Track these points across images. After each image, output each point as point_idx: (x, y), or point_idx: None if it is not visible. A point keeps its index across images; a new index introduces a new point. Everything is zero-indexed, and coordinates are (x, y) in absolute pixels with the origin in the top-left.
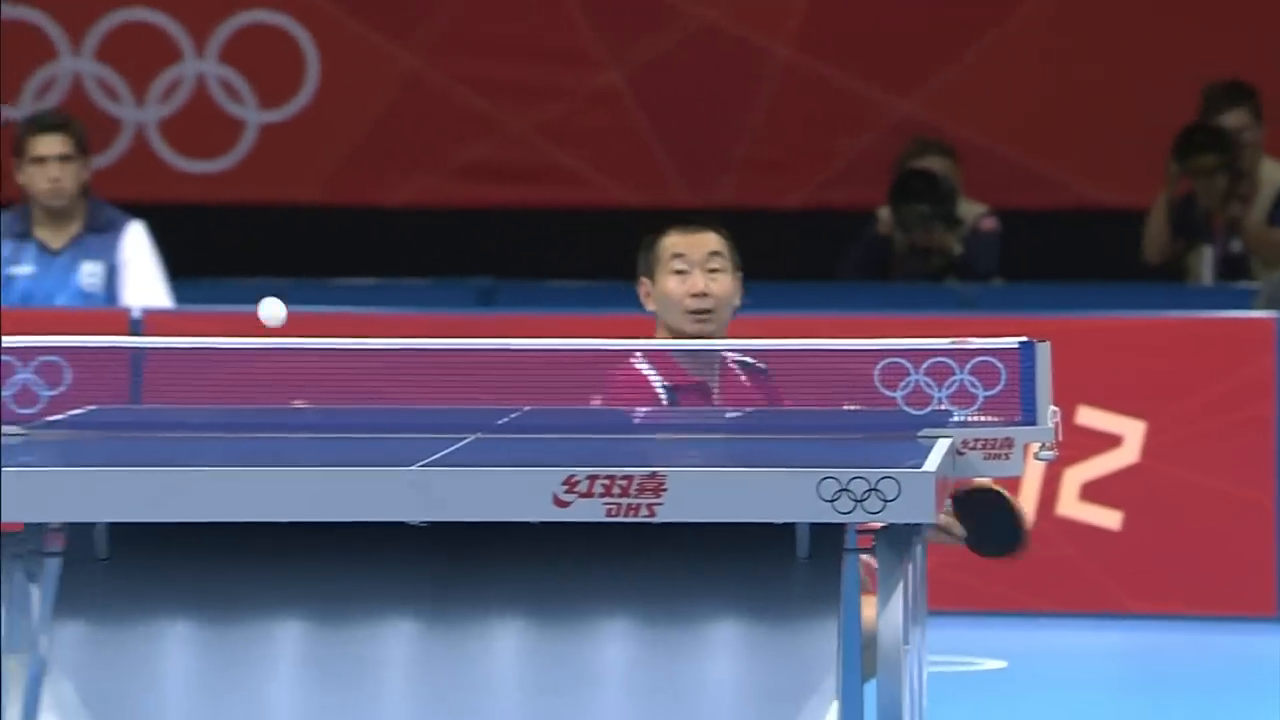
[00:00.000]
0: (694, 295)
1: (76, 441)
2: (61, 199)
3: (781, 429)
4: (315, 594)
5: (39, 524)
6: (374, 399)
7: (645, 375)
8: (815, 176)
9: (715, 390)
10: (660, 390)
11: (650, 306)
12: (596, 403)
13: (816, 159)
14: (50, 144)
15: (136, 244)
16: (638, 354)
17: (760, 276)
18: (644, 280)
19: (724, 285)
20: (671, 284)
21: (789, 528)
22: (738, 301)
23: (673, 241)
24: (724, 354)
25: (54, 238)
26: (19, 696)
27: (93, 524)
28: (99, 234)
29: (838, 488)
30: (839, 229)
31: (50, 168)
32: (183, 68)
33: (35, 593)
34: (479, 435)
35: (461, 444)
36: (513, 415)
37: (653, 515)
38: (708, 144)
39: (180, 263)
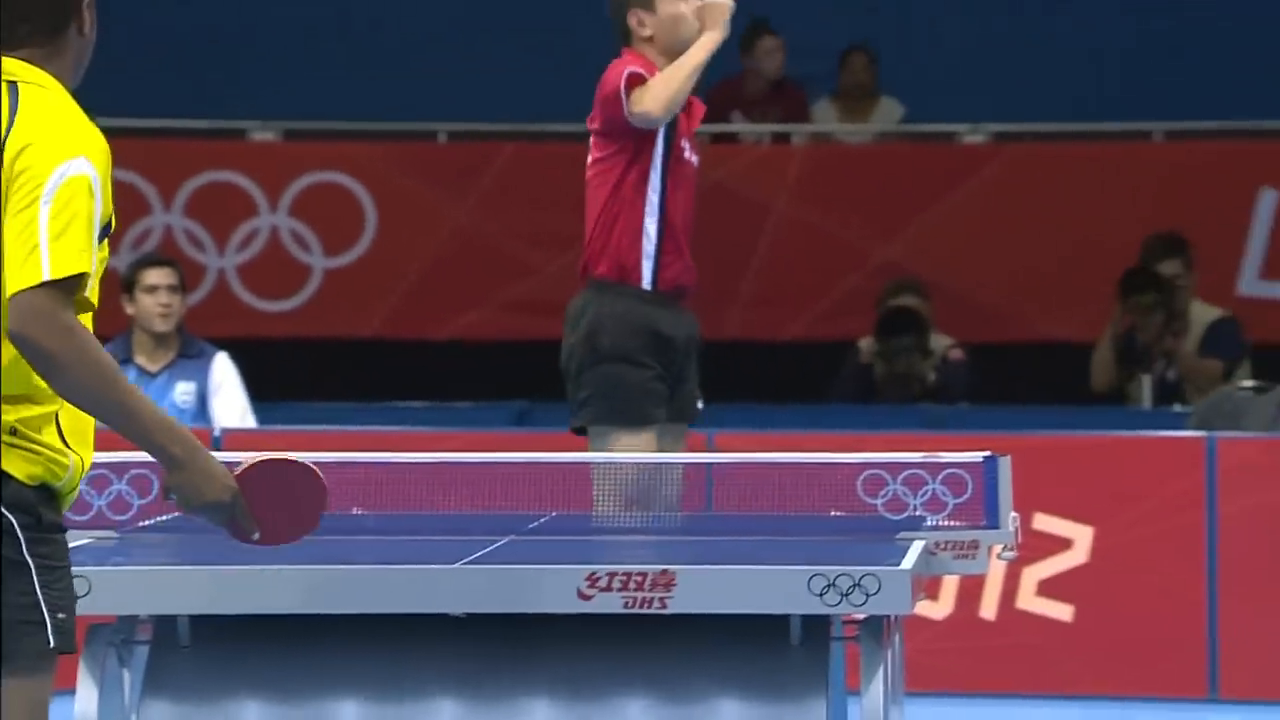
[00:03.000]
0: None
1: (161, 544)
2: (169, 324)
3: (776, 530)
4: (372, 677)
5: (130, 616)
6: (423, 506)
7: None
8: (809, 312)
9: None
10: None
11: (646, 33)
12: None
13: (810, 296)
14: (161, 275)
15: (224, 371)
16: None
17: (761, 399)
18: (637, 12)
19: None
20: (684, 7)
21: (784, 618)
22: None
23: None
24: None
25: (151, 362)
26: None
27: (176, 616)
28: (191, 359)
29: (826, 583)
30: (830, 358)
31: (161, 294)
32: (258, 221)
33: (126, 676)
34: (513, 537)
35: (498, 545)
36: (542, 519)
37: (665, 607)
38: (716, 284)
39: (258, 389)
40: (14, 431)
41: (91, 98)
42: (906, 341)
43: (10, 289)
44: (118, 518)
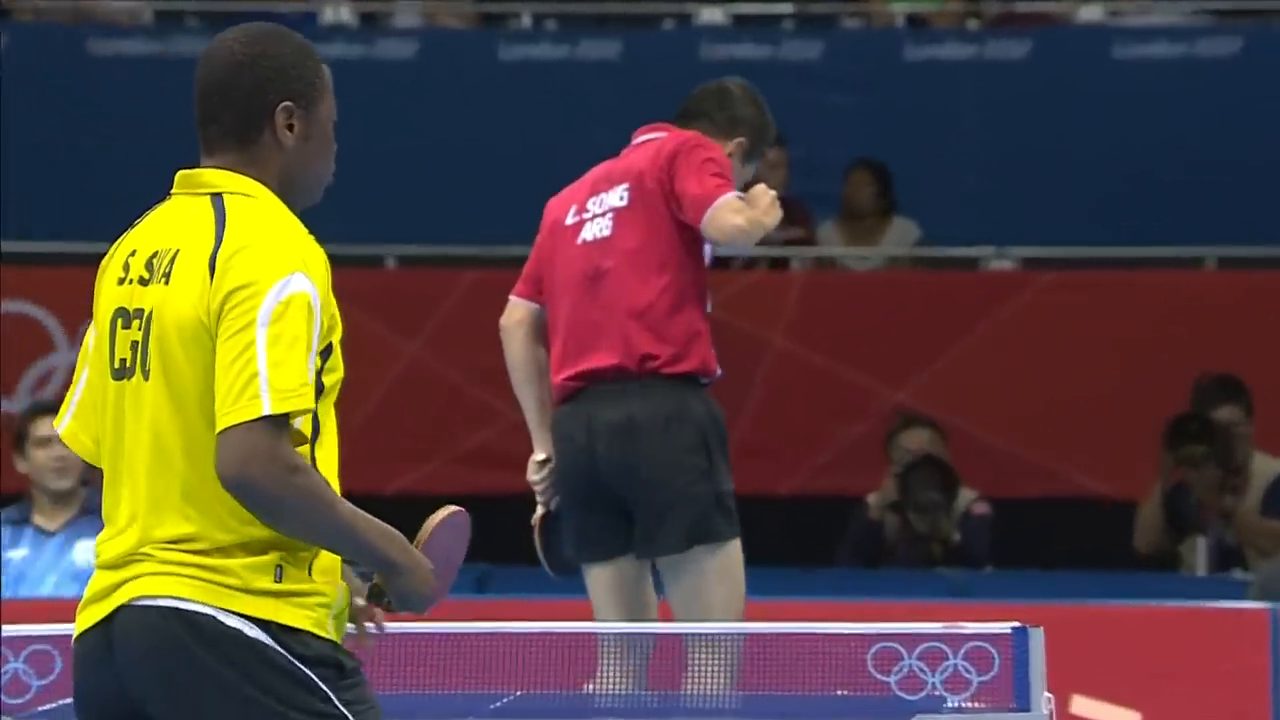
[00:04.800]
0: None
1: None
2: (67, 480)
3: (774, 713)
4: None
5: None
6: (373, 684)
7: None
8: (809, 463)
9: None
10: None
11: (737, 151)
12: None
13: (810, 445)
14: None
15: None
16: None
17: (757, 562)
18: (746, 140)
19: None
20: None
21: None
22: None
23: None
24: None
25: (50, 520)
26: None
27: None
28: (96, 514)
29: None
30: (833, 515)
31: (56, 446)
32: None
33: None
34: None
35: None
36: (506, 699)
37: None
38: None
39: None
40: (280, 574)
41: None
42: (934, 497)
43: (224, 422)
44: (14, 700)
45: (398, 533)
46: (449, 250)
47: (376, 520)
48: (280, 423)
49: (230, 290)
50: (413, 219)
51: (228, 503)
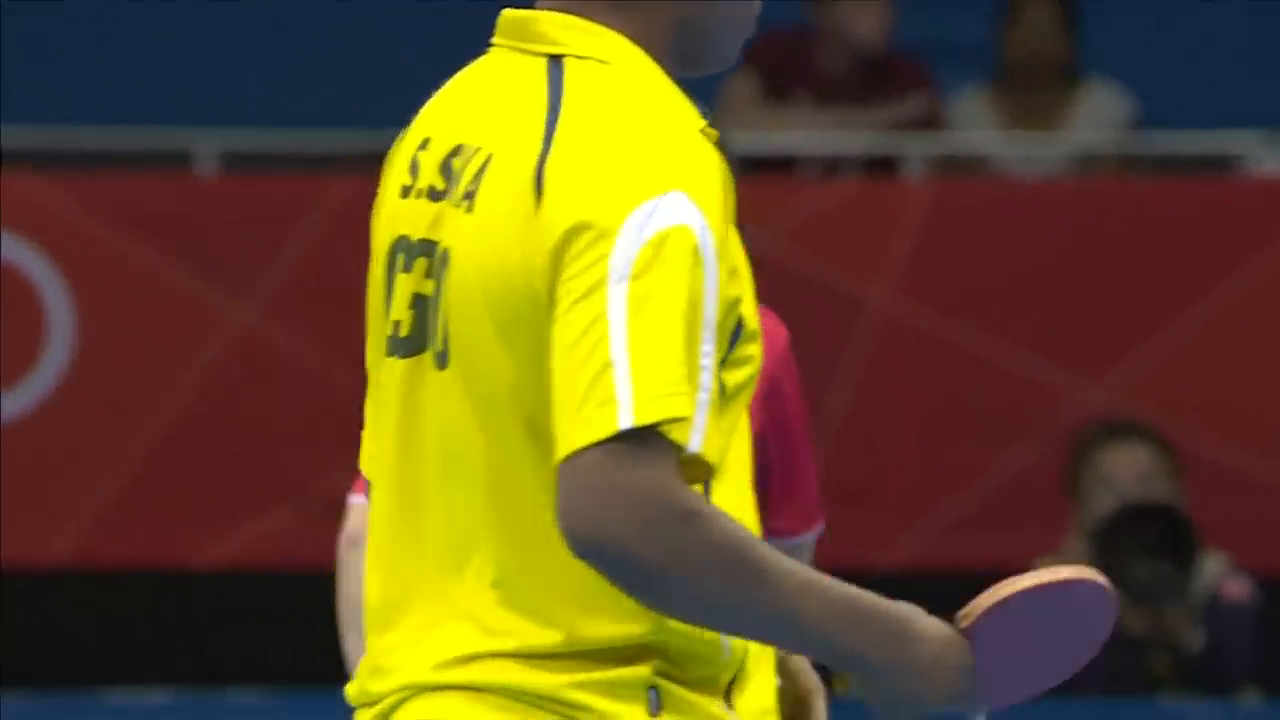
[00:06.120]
0: None
1: None
2: None
3: None
4: None
5: None
6: None
7: None
8: (936, 514)
9: None
10: None
11: None
12: None
13: (936, 484)
14: None
15: None
16: None
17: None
18: None
19: None
20: None
21: None
22: None
23: None
24: None
25: None
26: None
27: None
28: None
29: None
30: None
31: None
32: None
33: None
34: None
35: None
36: None
37: None
38: None
39: None
40: (656, 701)
41: None
42: (1158, 570)
43: (563, 446)
44: None
45: (880, 604)
46: (305, 143)
47: (840, 586)
48: (653, 442)
49: (567, 231)
50: (242, 93)
51: (563, 580)
